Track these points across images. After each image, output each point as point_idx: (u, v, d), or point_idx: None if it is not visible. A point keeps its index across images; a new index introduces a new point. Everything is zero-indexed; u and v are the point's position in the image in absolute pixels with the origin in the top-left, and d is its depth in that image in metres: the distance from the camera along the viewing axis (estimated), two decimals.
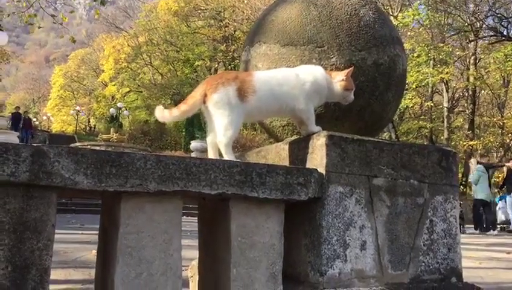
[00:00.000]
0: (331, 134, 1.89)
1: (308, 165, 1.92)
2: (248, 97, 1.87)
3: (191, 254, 2.21)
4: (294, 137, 2.23)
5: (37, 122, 39.43)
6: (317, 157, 1.89)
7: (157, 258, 1.63)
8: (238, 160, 1.84)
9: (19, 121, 22.22)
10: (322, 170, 1.86)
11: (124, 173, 1.52)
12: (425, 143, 23.67)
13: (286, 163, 2.06)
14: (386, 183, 1.97)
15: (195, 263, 2.18)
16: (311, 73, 1.98)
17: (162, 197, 1.63)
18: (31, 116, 26.05)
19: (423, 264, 2.01)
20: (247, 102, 1.87)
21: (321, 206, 1.84)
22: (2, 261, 1.38)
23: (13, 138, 11.44)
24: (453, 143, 24.03)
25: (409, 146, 2.07)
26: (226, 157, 1.85)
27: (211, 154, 1.94)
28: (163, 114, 1.94)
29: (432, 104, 23.48)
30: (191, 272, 2.31)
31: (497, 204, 12.74)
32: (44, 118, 52.30)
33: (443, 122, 23.77)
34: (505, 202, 12.26)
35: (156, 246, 1.63)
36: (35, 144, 1.49)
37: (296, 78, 1.96)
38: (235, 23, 28.54)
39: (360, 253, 1.88)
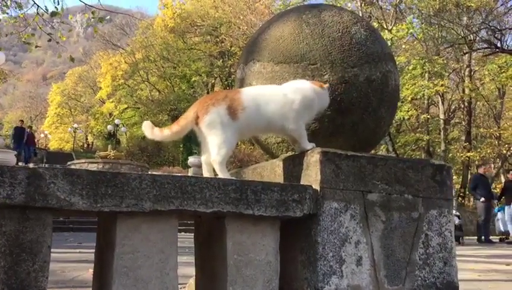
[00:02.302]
0: (325, 150, 1.91)
1: (303, 181, 1.94)
2: (238, 114, 1.88)
3: (190, 271, 2.21)
4: (289, 154, 2.24)
5: (35, 140, 39.28)
6: (312, 174, 1.90)
7: (153, 277, 1.63)
8: (232, 178, 1.86)
9: (23, 137, 19.25)
10: (316, 186, 1.87)
11: (119, 193, 1.54)
12: (422, 155, 23.71)
13: (281, 180, 2.07)
14: (380, 198, 1.98)
15: (192, 280, 2.18)
16: (299, 90, 1.99)
17: (158, 216, 1.64)
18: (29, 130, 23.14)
19: (419, 278, 2.01)
20: (237, 119, 1.89)
21: (316, 222, 1.85)
22: None
23: (10, 156, 11.37)
24: (450, 155, 24.09)
25: (403, 161, 2.08)
26: (220, 175, 1.86)
27: (206, 173, 1.95)
28: (154, 132, 1.94)
29: (428, 116, 23.59)
30: None
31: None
32: (42, 135, 52.27)
33: (440, 134, 23.86)
34: (504, 213, 12.26)
35: (152, 266, 1.64)
36: (31, 166, 1.51)
37: (284, 97, 1.96)
38: (232, 39, 28.73)
39: (356, 269, 1.89)
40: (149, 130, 1.94)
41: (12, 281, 1.40)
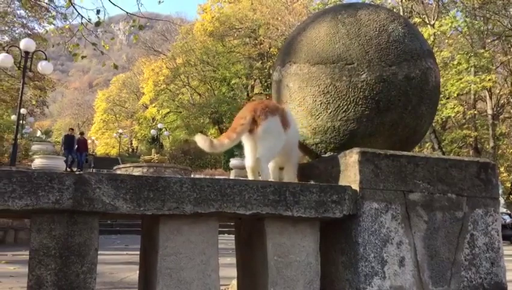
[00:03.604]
0: (364, 150, 1.89)
1: (342, 182, 1.93)
2: (286, 129, 2.06)
3: (233, 272, 2.24)
4: (328, 154, 2.24)
5: (87, 146, 40.48)
6: (351, 174, 1.89)
7: (195, 278, 1.67)
8: (271, 179, 1.87)
9: (72, 145, 19.37)
10: (355, 186, 1.86)
11: (161, 197, 1.58)
12: (470, 152, 22.93)
13: (320, 181, 2.07)
14: (422, 198, 1.94)
15: (235, 282, 2.21)
16: None
17: (198, 218, 1.68)
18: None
19: (465, 279, 1.96)
20: (285, 133, 2.06)
21: (356, 223, 1.84)
22: (49, 285, 1.45)
23: (59, 163, 11.85)
24: (499, 151, 23.18)
25: (445, 159, 2.04)
26: (262, 174, 1.92)
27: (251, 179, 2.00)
28: (214, 145, 1.96)
29: (475, 112, 22.78)
30: None
31: None
32: (89, 141, 53.92)
33: (488, 130, 23.00)
34: None
35: (194, 267, 1.67)
36: (77, 172, 1.57)
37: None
38: (270, 40, 28.79)
39: (399, 269, 1.86)
40: (207, 143, 1.96)
41: (62, 282, 1.47)
